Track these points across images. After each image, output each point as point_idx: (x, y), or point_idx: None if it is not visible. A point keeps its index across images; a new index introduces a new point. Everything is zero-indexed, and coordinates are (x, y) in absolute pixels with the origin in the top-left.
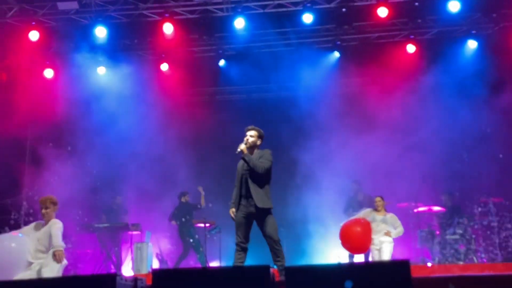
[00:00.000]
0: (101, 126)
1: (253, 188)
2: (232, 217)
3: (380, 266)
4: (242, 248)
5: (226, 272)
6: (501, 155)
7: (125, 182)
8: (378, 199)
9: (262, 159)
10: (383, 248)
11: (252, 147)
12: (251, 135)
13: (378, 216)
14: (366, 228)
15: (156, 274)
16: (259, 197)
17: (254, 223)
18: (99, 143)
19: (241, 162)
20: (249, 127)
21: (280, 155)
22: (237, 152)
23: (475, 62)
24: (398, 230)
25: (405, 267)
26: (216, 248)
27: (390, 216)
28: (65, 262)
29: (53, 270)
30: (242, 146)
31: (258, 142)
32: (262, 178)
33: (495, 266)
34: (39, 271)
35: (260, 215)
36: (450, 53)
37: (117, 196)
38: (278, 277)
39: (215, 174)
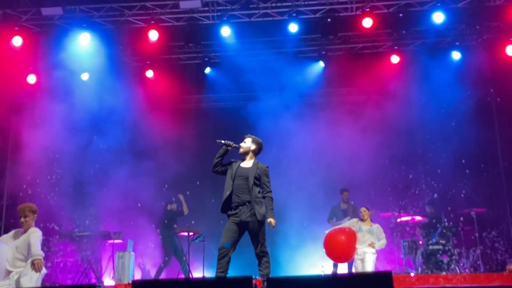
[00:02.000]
0: (84, 134)
1: (253, 197)
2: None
3: (363, 277)
4: (225, 255)
5: (208, 284)
6: (482, 165)
7: (108, 189)
8: (363, 209)
9: (266, 182)
10: (366, 258)
11: (246, 153)
12: (244, 141)
13: (365, 227)
14: (351, 237)
15: (137, 285)
16: (260, 209)
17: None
18: (82, 150)
19: (237, 168)
20: (247, 135)
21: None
22: (224, 143)
23: (459, 73)
24: (381, 242)
25: (388, 279)
26: (199, 257)
27: (376, 227)
28: (44, 271)
29: (32, 279)
30: (231, 142)
31: (253, 148)
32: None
33: (477, 277)
34: (17, 281)
35: (256, 226)
36: (434, 64)
37: (91, 206)
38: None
39: (200, 182)
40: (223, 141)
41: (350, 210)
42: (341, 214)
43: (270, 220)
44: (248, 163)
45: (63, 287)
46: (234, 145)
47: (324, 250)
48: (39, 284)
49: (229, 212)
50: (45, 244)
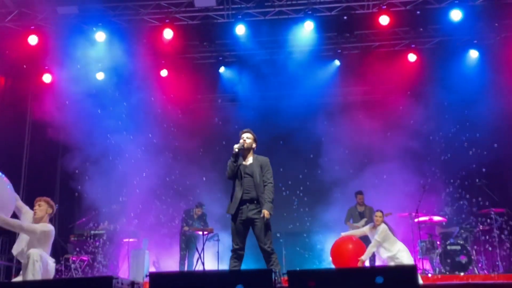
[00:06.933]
0: (99, 132)
1: (260, 194)
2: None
3: (387, 270)
4: (238, 255)
5: (226, 276)
6: (500, 164)
7: (123, 189)
8: (378, 214)
9: (266, 172)
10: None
11: (248, 149)
12: (248, 137)
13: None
14: (358, 246)
15: (154, 277)
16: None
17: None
18: (97, 149)
19: (241, 168)
20: (245, 130)
21: (280, 162)
22: (234, 153)
23: (477, 72)
24: (368, 249)
25: (412, 273)
26: (214, 256)
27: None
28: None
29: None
30: (236, 146)
31: (254, 145)
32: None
33: (496, 278)
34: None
35: (260, 222)
36: (451, 62)
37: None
38: None
39: (215, 181)
40: (237, 149)
41: (367, 212)
42: (358, 216)
43: (264, 211)
44: (249, 159)
45: (77, 279)
46: (241, 146)
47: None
48: (39, 277)
49: (239, 210)
50: (59, 244)
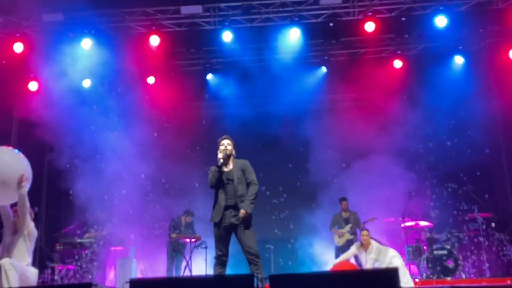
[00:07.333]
0: (85, 140)
1: (240, 197)
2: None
3: (369, 273)
4: (222, 262)
5: (209, 281)
6: (487, 169)
7: (109, 196)
8: (365, 233)
9: (249, 174)
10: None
11: (229, 156)
12: (228, 144)
13: (363, 252)
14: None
15: (135, 284)
16: (246, 206)
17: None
18: (84, 156)
19: (223, 175)
20: (225, 136)
21: (267, 169)
22: (219, 164)
23: (463, 77)
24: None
25: (394, 275)
26: (202, 263)
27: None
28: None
29: (9, 282)
30: (221, 155)
31: (234, 152)
32: (246, 187)
33: (483, 282)
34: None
35: (242, 226)
36: (437, 68)
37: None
38: None
39: (203, 188)
40: (221, 160)
41: (352, 218)
42: (343, 222)
43: (241, 210)
44: (230, 165)
45: (57, 286)
46: (225, 155)
47: None
48: (16, 285)
49: (222, 216)
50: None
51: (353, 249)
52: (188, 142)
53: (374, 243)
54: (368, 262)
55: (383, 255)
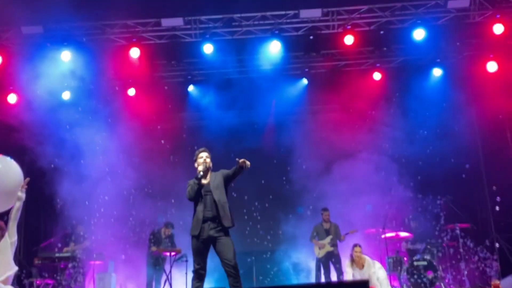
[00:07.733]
0: (65, 151)
1: (221, 207)
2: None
3: (340, 286)
4: (199, 275)
5: None
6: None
7: (88, 208)
8: (358, 249)
9: (230, 170)
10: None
11: (208, 169)
12: (207, 156)
13: (357, 268)
14: None
15: None
16: (226, 216)
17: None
18: (63, 167)
19: (202, 187)
20: (202, 149)
21: (250, 180)
22: (200, 176)
23: (441, 89)
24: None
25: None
26: (182, 277)
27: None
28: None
29: None
30: (202, 168)
31: (211, 164)
32: (226, 195)
33: None
34: None
35: (221, 237)
36: (416, 80)
37: (78, 225)
38: None
39: (182, 202)
40: (202, 173)
41: (333, 229)
42: (323, 233)
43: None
44: (208, 177)
45: None
46: (205, 168)
47: None
48: None
49: (201, 229)
50: (25, 267)
51: (348, 269)
52: (167, 154)
53: (367, 258)
54: (372, 277)
55: (373, 268)
